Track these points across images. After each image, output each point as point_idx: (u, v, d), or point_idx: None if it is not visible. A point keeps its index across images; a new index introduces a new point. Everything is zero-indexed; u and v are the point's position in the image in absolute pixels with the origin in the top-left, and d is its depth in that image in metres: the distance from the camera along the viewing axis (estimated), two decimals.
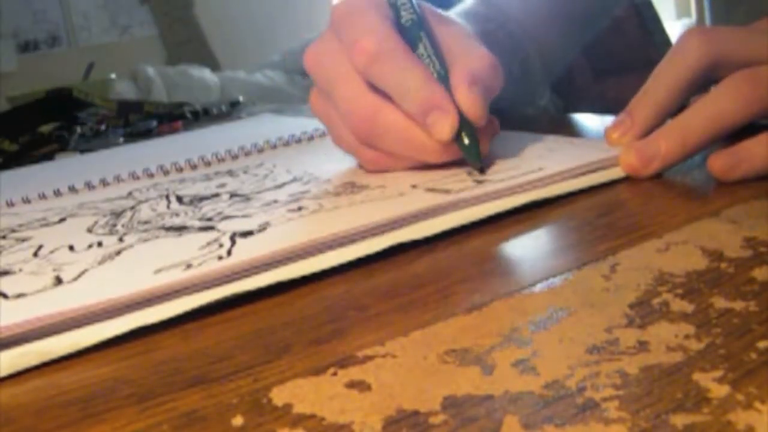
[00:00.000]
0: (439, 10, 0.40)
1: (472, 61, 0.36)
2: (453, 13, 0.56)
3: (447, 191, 0.32)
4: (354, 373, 0.20)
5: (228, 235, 0.31)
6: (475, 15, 0.55)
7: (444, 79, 0.35)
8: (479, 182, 0.33)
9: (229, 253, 0.28)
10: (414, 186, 0.35)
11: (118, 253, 0.32)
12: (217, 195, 0.41)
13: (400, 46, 0.35)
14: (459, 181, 0.34)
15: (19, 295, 0.28)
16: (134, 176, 0.52)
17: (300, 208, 0.34)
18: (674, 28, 2.91)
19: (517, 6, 0.59)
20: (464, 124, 0.35)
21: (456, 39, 0.37)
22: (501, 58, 0.47)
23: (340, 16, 0.37)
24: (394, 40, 0.35)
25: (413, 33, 0.37)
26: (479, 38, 0.46)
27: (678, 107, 0.33)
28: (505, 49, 0.54)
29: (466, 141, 0.35)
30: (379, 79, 0.36)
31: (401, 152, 0.37)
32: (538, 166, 0.34)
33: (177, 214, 0.38)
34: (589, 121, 0.47)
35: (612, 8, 0.65)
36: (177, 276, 0.26)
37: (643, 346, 0.18)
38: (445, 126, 0.34)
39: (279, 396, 0.19)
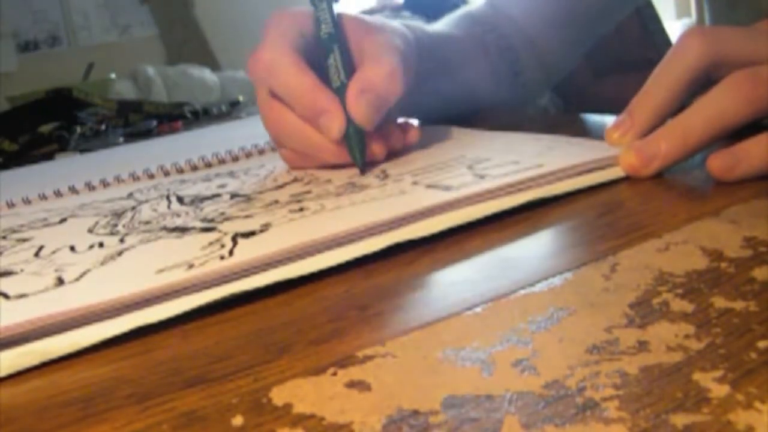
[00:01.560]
0: (369, 19, 0.44)
1: (368, 71, 0.40)
2: (451, 16, 0.57)
3: (448, 187, 0.32)
4: (354, 373, 0.20)
5: (230, 235, 0.31)
6: (469, 18, 0.56)
7: (345, 87, 0.40)
8: (480, 177, 0.33)
9: (231, 253, 0.28)
10: (415, 183, 0.35)
11: (120, 253, 0.32)
12: (218, 195, 0.41)
13: (292, 59, 0.40)
14: (459, 176, 0.34)
15: (21, 296, 0.28)
16: (135, 177, 0.52)
17: (302, 209, 0.34)
18: (674, 28, 2.91)
19: (520, 11, 0.59)
20: (352, 127, 0.39)
21: (372, 49, 0.41)
22: (485, 60, 0.49)
23: (265, 26, 0.42)
24: (286, 53, 0.40)
25: (328, 45, 0.41)
26: (460, 41, 0.49)
27: (678, 107, 0.33)
28: (491, 51, 0.55)
29: (353, 143, 0.40)
30: (274, 87, 0.41)
31: (304, 151, 0.42)
32: (538, 162, 0.34)
33: (178, 215, 0.38)
34: (589, 121, 0.47)
35: (616, 14, 0.65)
36: (179, 276, 0.26)
37: (643, 346, 0.18)
38: (332, 127, 0.39)
39: (279, 396, 0.19)
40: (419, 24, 0.50)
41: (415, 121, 0.46)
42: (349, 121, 0.39)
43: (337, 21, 0.43)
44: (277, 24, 0.41)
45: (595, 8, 0.61)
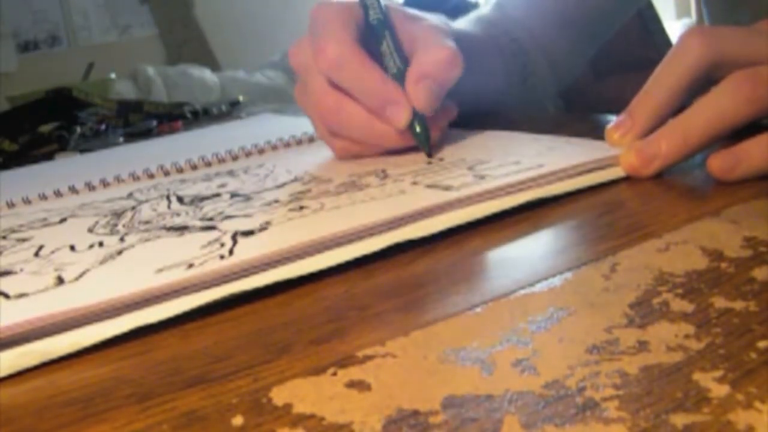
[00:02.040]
0: (411, 10, 0.45)
1: (425, 57, 0.40)
2: (466, 18, 0.58)
3: (448, 188, 0.32)
4: (354, 373, 0.20)
5: (229, 234, 0.31)
6: (483, 20, 0.57)
7: (403, 73, 0.41)
8: (480, 177, 0.33)
9: (230, 252, 0.28)
10: (414, 183, 0.35)
11: (120, 252, 0.32)
12: (217, 195, 0.41)
13: (357, 52, 0.40)
14: (459, 176, 0.34)
15: (21, 295, 0.28)
16: (134, 176, 0.52)
17: (301, 208, 0.34)
18: (674, 28, 2.91)
19: (528, 15, 0.60)
20: (416, 114, 0.41)
21: (420, 35, 0.42)
22: (500, 60, 0.50)
23: (314, 17, 0.42)
24: (352, 47, 0.40)
25: (379, 31, 0.42)
26: (481, 40, 0.49)
27: (678, 107, 0.33)
28: (505, 53, 0.56)
29: (418, 129, 0.41)
30: (340, 81, 0.41)
31: (365, 140, 0.43)
32: (538, 163, 0.34)
33: (178, 214, 0.38)
34: (589, 121, 0.47)
35: (621, 16, 0.65)
36: (179, 275, 0.26)
37: (643, 345, 0.18)
38: (401, 117, 0.40)
39: (279, 396, 0.19)
40: (445, 19, 0.50)
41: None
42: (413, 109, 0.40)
43: (385, 8, 0.44)
44: (331, 16, 0.42)
45: (600, 11, 0.61)
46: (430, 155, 0.41)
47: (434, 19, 0.45)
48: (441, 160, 0.40)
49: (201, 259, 0.28)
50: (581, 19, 0.61)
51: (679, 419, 0.15)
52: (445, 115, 0.43)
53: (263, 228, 0.31)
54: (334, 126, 0.44)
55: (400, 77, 0.41)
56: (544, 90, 0.62)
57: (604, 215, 0.30)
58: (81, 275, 0.29)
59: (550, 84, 0.62)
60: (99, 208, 0.44)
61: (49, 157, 0.83)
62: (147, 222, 0.37)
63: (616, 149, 0.34)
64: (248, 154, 0.54)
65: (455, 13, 0.60)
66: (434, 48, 0.41)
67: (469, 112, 0.52)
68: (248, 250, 0.28)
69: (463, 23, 0.58)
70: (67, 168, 0.70)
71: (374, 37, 0.42)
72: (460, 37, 0.50)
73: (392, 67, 0.42)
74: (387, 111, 0.40)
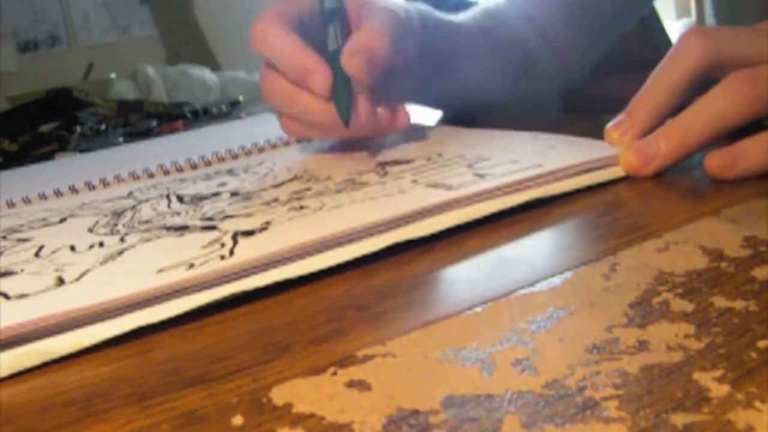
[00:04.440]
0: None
1: (359, 34, 0.42)
2: (469, 11, 0.58)
3: (448, 186, 0.32)
4: (354, 372, 0.20)
5: (230, 234, 0.31)
6: (483, 12, 0.59)
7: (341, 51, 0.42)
8: (480, 176, 0.33)
9: (231, 252, 0.28)
10: (414, 181, 0.35)
11: (120, 253, 0.32)
12: (217, 194, 0.41)
13: (279, 25, 0.42)
14: (459, 175, 0.34)
15: (22, 296, 0.28)
16: (134, 176, 0.52)
17: (302, 207, 0.34)
18: (674, 28, 2.91)
19: (536, 11, 0.60)
20: (339, 83, 0.41)
21: (367, 19, 0.43)
22: (495, 51, 0.50)
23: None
24: (275, 22, 0.42)
25: (330, 16, 0.44)
26: (468, 29, 0.55)
27: (678, 107, 0.33)
28: (503, 45, 0.56)
29: (337, 96, 0.41)
30: (266, 54, 0.43)
31: (298, 115, 0.45)
32: (538, 162, 0.34)
33: (178, 214, 0.38)
34: (589, 120, 0.47)
35: (633, 13, 0.65)
36: (179, 276, 0.26)
37: (643, 345, 0.18)
38: (319, 83, 0.41)
39: (279, 395, 0.19)
40: (429, 8, 0.50)
41: (409, 106, 0.46)
42: (336, 77, 0.41)
43: None
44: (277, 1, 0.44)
45: (612, 7, 0.61)
46: (346, 125, 0.41)
47: (395, 4, 0.46)
48: (440, 156, 0.40)
49: (202, 259, 0.28)
50: (593, 11, 0.61)
51: (679, 419, 0.15)
52: (390, 115, 0.44)
53: (263, 228, 0.31)
54: (272, 103, 0.46)
55: (338, 56, 0.42)
56: (548, 82, 0.62)
57: (604, 215, 0.30)
58: (81, 275, 0.29)
59: (555, 78, 0.62)
60: (99, 207, 0.44)
61: (49, 157, 0.83)
62: (147, 222, 0.37)
63: (615, 149, 0.34)
64: (248, 153, 0.54)
65: (456, 11, 0.60)
66: (368, 27, 0.42)
67: (456, 102, 0.52)
68: (249, 250, 0.28)
69: (462, 15, 0.58)
70: (67, 168, 0.70)
71: (325, 22, 0.44)
72: (443, 26, 0.51)
73: (333, 45, 0.43)
74: (308, 79, 0.41)
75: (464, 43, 0.53)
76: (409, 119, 0.45)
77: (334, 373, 0.20)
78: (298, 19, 0.44)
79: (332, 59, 0.42)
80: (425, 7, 0.50)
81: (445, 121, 0.53)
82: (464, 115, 0.50)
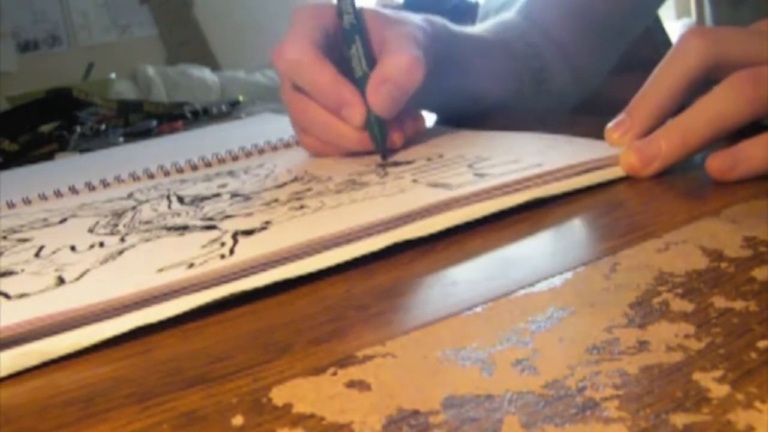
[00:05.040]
0: (393, 15, 0.46)
1: (388, 61, 0.41)
2: (484, 22, 0.58)
3: (448, 186, 0.32)
4: (354, 372, 0.20)
5: (230, 234, 0.31)
6: (500, 24, 0.59)
7: (368, 76, 0.42)
8: (480, 176, 0.33)
9: (231, 252, 0.28)
10: (414, 181, 0.35)
11: (120, 252, 0.32)
12: (218, 195, 0.41)
13: (313, 53, 0.41)
14: (459, 174, 0.34)
15: (22, 296, 0.28)
16: (135, 177, 0.52)
17: (302, 207, 0.34)
18: (674, 28, 2.91)
19: (550, 20, 0.61)
20: (373, 117, 0.42)
21: (393, 41, 0.43)
22: (511, 64, 0.51)
23: (290, 19, 0.44)
24: (309, 49, 0.42)
25: (350, 35, 0.44)
26: (487, 43, 0.54)
27: (678, 107, 0.33)
28: (518, 57, 0.56)
29: (375, 131, 0.42)
30: (297, 82, 0.43)
31: (328, 140, 0.45)
32: (538, 162, 0.34)
33: (178, 214, 0.38)
34: (589, 120, 0.47)
35: (642, 21, 0.65)
36: (180, 275, 0.26)
37: (643, 345, 0.18)
38: (355, 117, 0.41)
39: (279, 396, 0.19)
40: (442, 20, 0.50)
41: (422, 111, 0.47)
42: (369, 110, 0.41)
43: (359, 13, 0.45)
44: (301, 19, 0.43)
45: (623, 17, 0.62)
46: (384, 158, 0.42)
47: (413, 22, 0.45)
48: (441, 156, 0.40)
49: (202, 258, 0.28)
50: (605, 22, 0.61)
51: (679, 419, 0.15)
52: (412, 122, 0.45)
53: (264, 227, 0.31)
54: (301, 125, 0.46)
55: (365, 81, 0.42)
56: (562, 96, 0.62)
57: (604, 215, 0.30)
58: (82, 275, 0.29)
59: (569, 90, 0.62)
60: (99, 208, 0.44)
61: (49, 157, 0.83)
62: (147, 222, 0.37)
63: (615, 149, 0.34)
64: (248, 155, 0.54)
65: (455, 13, 0.60)
66: (397, 53, 0.41)
67: (469, 113, 0.52)
68: (249, 250, 0.28)
69: (477, 27, 0.59)
70: (67, 168, 0.70)
71: (346, 41, 0.44)
72: (456, 40, 0.51)
73: (358, 71, 0.43)
74: (343, 112, 0.42)
75: (476, 56, 0.53)
76: (425, 125, 0.46)
77: (334, 374, 0.20)
78: (326, 37, 0.43)
79: (361, 85, 0.42)
80: (437, 19, 0.50)
81: (445, 121, 0.53)
82: (463, 119, 0.50)
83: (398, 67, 0.41)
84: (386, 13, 0.46)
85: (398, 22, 0.44)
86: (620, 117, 0.35)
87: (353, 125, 0.42)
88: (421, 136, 0.46)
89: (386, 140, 0.42)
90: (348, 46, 0.44)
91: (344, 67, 0.42)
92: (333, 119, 0.43)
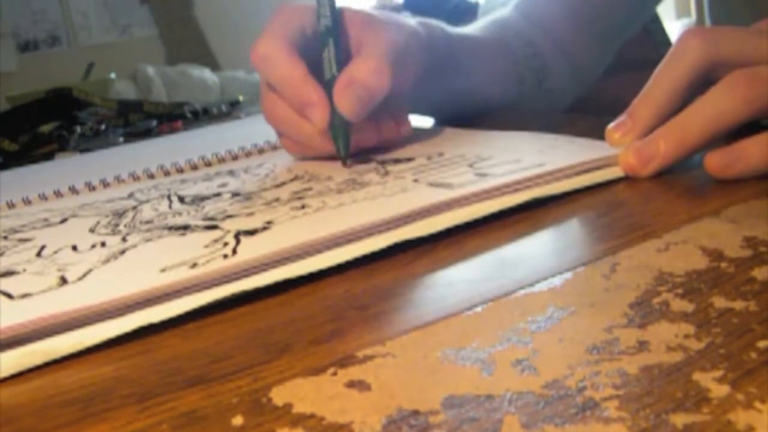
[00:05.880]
0: (382, 17, 0.45)
1: (356, 65, 0.41)
2: (482, 20, 0.58)
3: (449, 185, 0.32)
4: (354, 372, 0.20)
5: (232, 233, 0.31)
6: (498, 23, 0.59)
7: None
8: (481, 175, 0.33)
9: (234, 251, 0.28)
10: (416, 180, 0.35)
11: (123, 252, 0.32)
12: (218, 194, 0.41)
13: (284, 51, 0.41)
14: (460, 174, 0.34)
15: (25, 295, 0.28)
16: (135, 177, 0.52)
17: (303, 206, 0.34)
18: (674, 28, 2.91)
19: (549, 17, 0.61)
20: (337, 120, 0.41)
21: (368, 44, 0.42)
22: (510, 64, 0.51)
23: (271, 17, 0.44)
24: (281, 47, 0.41)
25: (324, 38, 0.43)
26: (485, 43, 0.54)
27: (679, 107, 0.33)
28: (518, 56, 0.56)
29: (337, 135, 0.41)
30: (268, 79, 0.42)
31: (297, 140, 0.45)
32: (539, 162, 0.34)
33: (179, 214, 0.38)
34: (589, 121, 0.47)
35: (640, 18, 0.65)
36: (183, 275, 0.26)
37: (643, 345, 0.18)
38: (317, 117, 0.40)
39: (279, 396, 0.19)
40: (438, 23, 0.50)
41: (412, 117, 0.46)
42: (334, 113, 0.41)
43: (338, 15, 0.44)
44: (278, 17, 0.43)
45: (621, 15, 0.61)
46: (344, 164, 0.41)
47: (400, 25, 0.45)
48: (441, 155, 0.40)
49: (204, 258, 0.28)
50: (603, 19, 0.61)
51: (679, 419, 0.15)
52: (395, 127, 0.44)
53: (266, 227, 0.31)
54: (272, 124, 0.46)
55: (333, 84, 0.41)
56: (562, 94, 0.62)
57: (603, 215, 0.30)
58: (84, 275, 0.29)
59: (569, 88, 0.62)
60: (100, 208, 0.44)
61: (49, 157, 0.83)
62: (148, 222, 0.37)
63: (615, 149, 0.34)
64: (248, 155, 0.54)
65: (455, 12, 0.60)
66: (366, 57, 0.41)
67: (469, 114, 0.52)
68: (251, 250, 0.28)
69: (473, 27, 0.58)
70: (67, 168, 0.70)
71: (320, 43, 0.43)
72: (453, 42, 0.51)
73: (328, 74, 0.42)
74: (306, 111, 0.41)
75: (474, 57, 0.53)
76: (410, 128, 0.45)
77: (334, 374, 0.20)
78: (302, 36, 0.43)
79: (329, 88, 0.41)
80: (433, 22, 0.50)
81: (445, 122, 0.53)
82: (463, 120, 0.50)
83: (365, 71, 0.40)
84: (370, 15, 0.45)
85: (379, 25, 0.44)
86: (621, 118, 0.35)
87: (315, 126, 0.41)
88: (407, 140, 0.45)
89: (348, 145, 0.41)
90: (321, 48, 0.43)
91: (319, 70, 0.42)
92: (299, 119, 0.42)
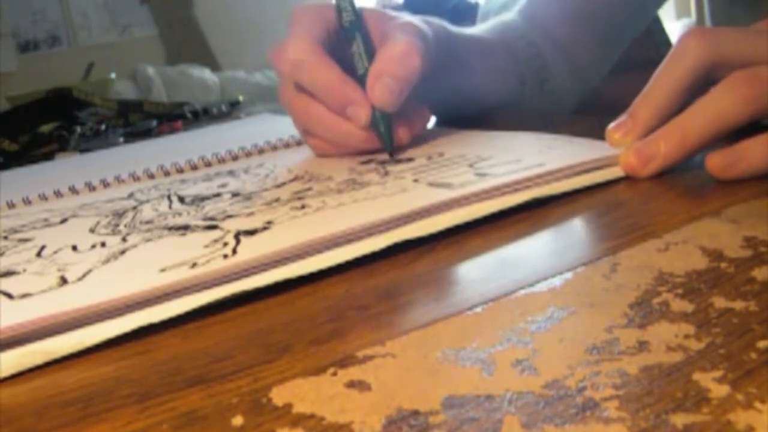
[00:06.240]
0: (390, 12, 0.46)
1: (384, 54, 0.41)
2: (485, 22, 0.58)
3: (449, 185, 0.32)
4: (354, 373, 0.20)
5: (232, 233, 0.31)
6: (500, 24, 0.60)
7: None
8: (481, 175, 0.33)
9: (234, 251, 0.28)
10: (416, 180, 0.35)
11: (123, 252, 0.32)
12: (218, 195, 0.41)
13: (316, 53, 0.41)
14: (460, 174, 0.34)
15: (25, 295, 0.28)
16: (135, 177, 0.52)
17: (303, 206, 0.34)
18: (674, 28, 2.91)
19: (551, 18, 0.61)
20: (378, 113, 0.41)
21: (390, 33, 0.42)
22: (512, 64, 0.51)
23: (290, 20, 0.44)
24: (311, 49, 0.41)
25: (350, 32, 0.43)
26: (487, 43, 0.55)
27: (679, 108, 0.33)
28: (519, 57, 0.56)
29: (381, 128, 0.42)
30: (303, 83, 0.42)
31: (334, 139, 0.44)
32: (539, 162, 0.34)
33: (179, 214, 0.38)
34: (589, 121, 0.47)
35: (642, 20, 0.65)
36: (183, 275, 0.26)
37: (643, 346, 0.18)
38: (360, 116, 0.41)
39: (279, 396, 0.19)
40: (440, 21, 0.50)
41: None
42: (374, 107, 0.41)
43: (359, 11, 0.45)
44: (301, 19, 0.43)
45: (624, 17, 0.62)
46: (392, 155, 0.42)
47: (412, 19, 0.45)
48: (441, 155, 0.40)
49: (204, 258, 0.28)
50: (606, 22, 0.61)
51: (679, 419, 0.15)
52: (417, 117, 0.44)
53: (266, 227, 0.31)
54: (304, 126, 0.46)
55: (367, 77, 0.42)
56: (564, 95, 0.62)
57: (604, 215, 0.30)
58: (84, 275, 0.29)
59: (571, 90, 0.62)
60: (100, 208, 0.44)
61: (49, 157, 0.83)
62: (149, 222, 0.37)
63: (615, 149, 0.34)
64: (248, 155, 0.54)
65: (455, 13, 0.60)
66: (391, 44, 0.41)
67: (470, 114, 0.52)
68: (251, 250, 0.28)
69: (476, 28, 0.59)
70: (67, 168, 0.70)
71: (347, 39, 0.43)
72: (456, 41, 0.51)
73: (361, 68, 0.43)
74: (348, 111, 0.41)
75: (476, 57, 0.53)
76: (429, 120, 0.46)
77: (334, 374, 0.20)
78: (327, 35, 0.43)
79: (364, 82, 0.41)
80: (435, 20, 0.50)
81: (445, 122, 0.53)
82: (464, 120, 0.50)
83: (393, 58, 0.41)
84: (385, 11, 0.46)
85: (396, 17, 0.45)
86: (622, 118, 0.35)
87: (359, 124, 0.41)
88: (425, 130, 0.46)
89: (392, 137, 0.42)
90: (349, 43, 0.43)
91: (347, 66, 0.42)
92: (338, 119, 0.42)
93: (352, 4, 0.44)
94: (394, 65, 0.40)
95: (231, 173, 0.48)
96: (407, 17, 0.45)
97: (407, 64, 0.41)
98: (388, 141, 0.42)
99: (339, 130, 0.43)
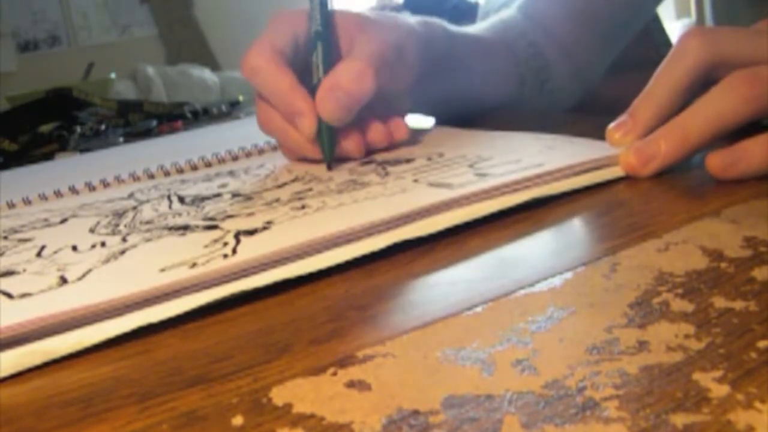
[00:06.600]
0: (376, 17, 0.45)
1: (339, 69, 0.41)
2: (485, 21, 0.58)
3: (449, 185, 0.32)
4: (354, 372, 0.20)
5: (232, 233, 0.31)
6: (500, 23, 0.59)
7: None
8: (481, 175, 0.33)
9: (234, 251, 0.28)
10: (416, 180, 0.35)
11: (123, 252, 0.32)
12: (218, 195, 0.41)
13: (272, 62, 0.42)
14: (460, 174, 0.34)
15: (24, 295, 0.28)
16: (135, 177, 0.52)
17: (303, 206, 0.34)
18: (674, 28, 2.91)
19: (551, 17, 0.61)
20: (324, 125, 0.42)
21: (355, 48, 0.42)
22: (512, 64, 0.51)
23: (267, 24, 0.44)
24: (270, 56, 0.42)
25: (313, 42, 0.44)
26: (487, 43, 0.54)
27: (679, 108, 0.33)
28: (519, 57, 0.56)
29: (324, 140, 0.42)
30: (258, 89, 0.44)
31: (285, 145, 0.46)
32: (539, 162, 0.34)
33: (179, 214, 0.38)
34: (589, 121, 0.47)
35: (641, 19, 0.66)
36: (182, 275, 0.26)
37: (643, 345, 0.18)
38: (305, 126, 0.41)
39: (279, 396, 0.19)
40: (440, 21, 0.50)
41: (408, 118, 0.46)
42: (320, 119, 0.41)
43: (330, 18, 0.44)
44: (272, 25, 0.44)
45: (624, 15, 0.62)
46: (329, 168, 0.42)
47: (394, 25, 0.44)
48: (441, 156, 0.40)
49: (204, 258, 0.28)
50: (606, 21, 0.61)
51: (679, 419, 0.15)
52: (386, 131, 0.44)
53: (266, 227, 0.31)
54: (266, 132, 0.46)
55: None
56: (564, 95, 0.61)
57: (603, 215, 0.30)
58: (84, 275, 0.29)
59: (571, 89, 0.62)
60: (100, 208, 0.44)
61: (49, 157, 0.83)
62: (149, 222, 0.37)
63: (615, 149, 0.34)
64: (248, 155, 0.54)
65: (455, 13, 0.60)
66: (350, 61, 0.41)
67: (471, 114, 0.52)
68: (251, 250, 0.28)
69: (477, 27, 0.58)
70: (67, 168, 0.70)
71: (310, 47, 0.44)
72: (455, 41, 0.51)
73: (315, 78, 0.43)
74: (296, 120, 0.42)
75: (476, 57, 0.53)
76: (406, 133, 0.45)
77: (334, 374, 0.20)
78: (293, 43, 0.43)
79: (316, 93, 0.41)
80: (435, 21, 0.50)
81: (446, 122, 0.53)
82: (464, 120, 0.50)
83: (346, 75, 0.41)
84: (365, 17, 0.45)
85: (372, 28, 0.44)
86: (622, 118, 0.35)
87: (303, 134, 0.42)
88: (404, 143, 0.45)
89: (334, 150, 0.42)
90: (310, 53, 0.43)
91: (311, 75, 0.42)
92: (288, 126, 0.43)
93: (322, 13, 0.44)
94: (348, 82, 0.41)
95: (231, 173, 0.48)
96: (389, 20, 0.45)
97: (361, 85, 0.41)
98: (327, 154, 0.42)
99: (287, 136, 0.44)
